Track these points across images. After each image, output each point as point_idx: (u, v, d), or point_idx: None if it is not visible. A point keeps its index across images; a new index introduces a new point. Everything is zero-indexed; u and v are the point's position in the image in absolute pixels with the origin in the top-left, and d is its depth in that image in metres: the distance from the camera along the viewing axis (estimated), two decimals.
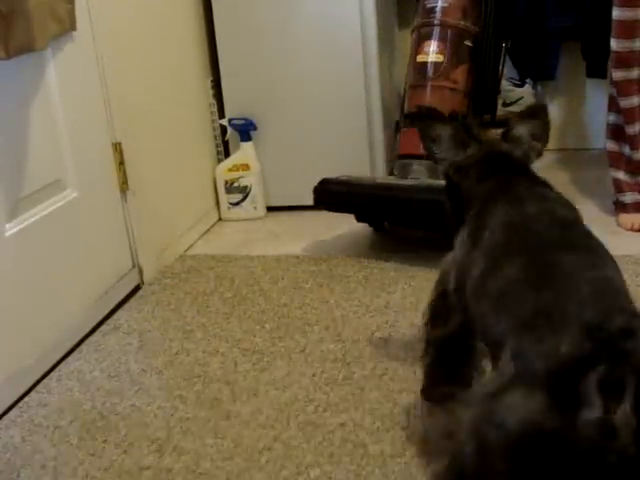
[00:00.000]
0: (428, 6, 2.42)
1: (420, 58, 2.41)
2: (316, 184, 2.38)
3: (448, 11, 2.39)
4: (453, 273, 1.33)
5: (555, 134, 3.21)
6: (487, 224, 1.23)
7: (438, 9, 2.39)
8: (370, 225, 2.51)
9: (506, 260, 1.13)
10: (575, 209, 1.27)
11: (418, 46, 2.42)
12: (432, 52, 2.38)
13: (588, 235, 1.19)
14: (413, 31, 2.48)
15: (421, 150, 2.32)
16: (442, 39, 2.38)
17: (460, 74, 2.38)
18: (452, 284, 1.33)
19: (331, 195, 2.38)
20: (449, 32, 2.39)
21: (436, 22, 2.40)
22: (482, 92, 2.44)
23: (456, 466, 0.97)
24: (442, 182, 2.21)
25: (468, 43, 2.39)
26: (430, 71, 2.39)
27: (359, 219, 2.45)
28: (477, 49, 2.40)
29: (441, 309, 1.41)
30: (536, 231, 1.17)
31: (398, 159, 2.43)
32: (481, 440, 0.91)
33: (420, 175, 2.32)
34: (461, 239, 1.32)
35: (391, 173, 2.45)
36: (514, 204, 1.24)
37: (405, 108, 2.46)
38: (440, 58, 2.37)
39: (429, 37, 2.40)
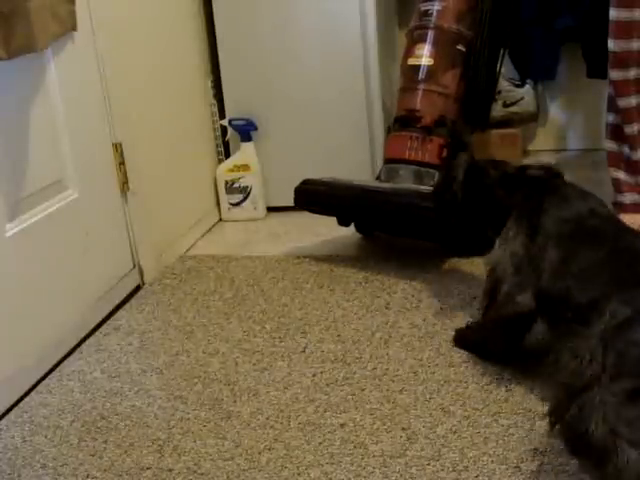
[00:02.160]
0: (423, 9, 2.38)
1: (411, 61, 2.37)
2: (297, 184, 2.36)
3: (443, 15, 2.34)
4: (508, 262, 1.63)
5: (555, 135, 3.21)
6: (542, 222, 1.57)
7: (433, 12, 2.34)
8: (357, 230, 2.48)
9: (583, 247, 1.48)
10: (606, 205, 1.64)
11: (409, 49, 2.39)
12: (423, 55, 2.33)
13: (627, 226, 1.56)
14: (407, 34, 2.44)
15: (407, 155, 2.29)
16: (434, 42, 2.34)
17: (450, 78, 2.33)
18: (510, 270, 1.62)
19: (310, 196, 2.36)
20: (442, 36, 2.34)
21: (430, 25, 2.35)
22: (474, 98, 2.39)
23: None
24: (422, 187, 2.23)
25: (461, 48, 2.34)
26: (420, 74, 2.34)
27: (340, 222, 2.42)
28: (470, 54, 2.35)
29: (496, 293, 1.67)
30: (596, 225, 1.54)
31: (385, 163, 2.39)
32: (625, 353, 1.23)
33: (405, 180, 2.29)
34: (511, 235, 1.63)
35: (378, 177, 2.41)
36: (563, 204, 1.58)
37: (395, 112, 2.41)
38: (430, 61, 2.33)
39: (421, 40, 2.36)
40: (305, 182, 2.36)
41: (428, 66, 2.33)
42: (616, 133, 2.38)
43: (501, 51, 2.46)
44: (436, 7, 2.34)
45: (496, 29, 2.39)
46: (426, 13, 2.36)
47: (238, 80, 2.72)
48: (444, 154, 2.29)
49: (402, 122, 2.35)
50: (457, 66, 2.33)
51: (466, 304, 1.99)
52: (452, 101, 2.33)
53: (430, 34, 2.34)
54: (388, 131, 2.44)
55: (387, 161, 2.38)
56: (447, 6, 2.33)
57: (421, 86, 2.34)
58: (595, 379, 1.22)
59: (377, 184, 2.32)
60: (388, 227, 2.36)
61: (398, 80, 2.45)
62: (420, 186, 2.25)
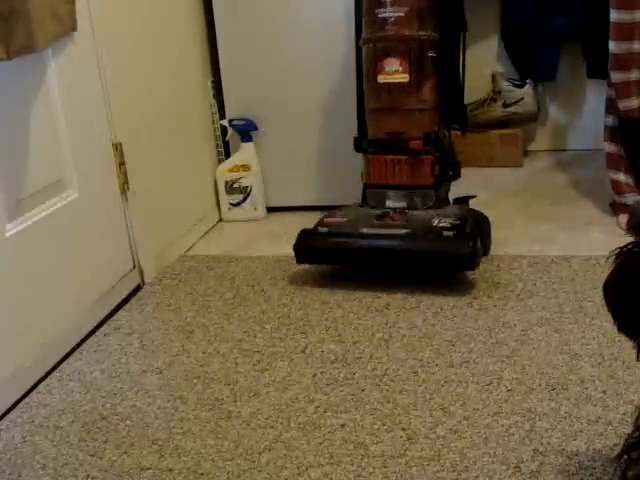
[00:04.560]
0: (380, 16, 2.13)
1: (381, 79, 2.15)
2: (296, 240, 2.17)
3: (404, 21, 2.11)
4: None
5: (555, 135, 3.21)
6: None
7: (392, 20, 2.11)
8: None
9: None
10: None
11: (377, 64, 2.16)
12: (394, 71, 2.14)
13: None
14: (365, 44, 2.20)
15: (397, 181, 2.18)
16: (403, 55, 2.13)
17: (428, 91, 2.16)
18: None
19: (315, 252, 2.17)
20: (409, 46, 2.12)
21: (393, 35, 2.12)
22: (450, 102, 2.21)
23: None
24: (436, 221, 2.09)
25: (431, 54, 2.14)
26: (396, 94, 2.15)
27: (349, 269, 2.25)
28: (441, 57, 2.16)
29: None
30: None
31: (369, 188, 2.26)
32: None
33: (397, 202, 2.19)
34: None
35: (364, 200, 2.27)
36: None
37: (371, 134, 2.25)
38: (405, 78, 2.13)
39: (387, 54, 2.14)
40: (304, 236, 2.18)
41: (404, 83, 2.14)
42: (615, 135, 2.38)
43: (461, 35, 2.21)
44: (396, 14, 2.12)
45: (458, 22, 2.19)
46: (385, 21, 2.13)
47: (238, 80, 2.73)
48: (436, 172, 2.18)
49: (383, 145, 2.21)
50: (431, 75, 2.16)
51: (466, 304, 2.00)
52: (432, 113, 2.19)
53: (396, 45, 2.13)
54: (356, 144, 2.29)
55: (372, 186, 2.25)
56: (406, 10, 2.11)
57: (400, 106, 2.17)
58: None
59: (383, 230, 2.13)
60: (401, 271, 2.18)
61: (367, 99, 2.24)
62: (433, 220, 2.12)
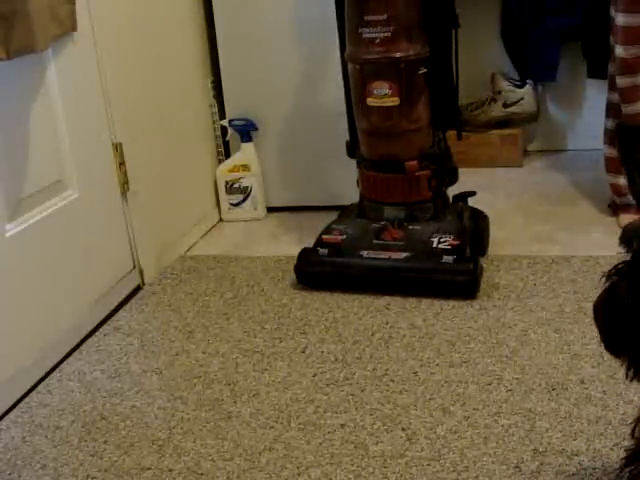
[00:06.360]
0: (365, 36, 2.01)
1: (371, 102, 2.07)
2: (297, 261, 2.17)
3: (391, 42, 2.00)
4: None
5: (555, 135, 3.21)
6: None
7: (378, 41, 2.00)
8: None
9: None
10: None
11: (364, 87, 2.07)
12: (384, 95, 2.04)
13: None
14: (350, 61, 2.12)
15: (393, 199, 2.13)
16: (392, 78, 2.03)
17: (421, 109, 2.09)
18: None
19: (315, 277, 2.17)
20: (399, 67, 2.02)
21: (380, 59, 2.02)
22: (444, 109, 2.14)
23: None
24: (437, 243, 2.05)
25: (422, 71, 2.05)
26: (387, 118, 2.08)
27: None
28: (432, 70, 2.07)
29: None
30: None
31: (365, 200, 2.22)
32: None
33: (395, 214, 2.15)
34: None
35: (361, 209, 2.23)
36: None
37: (364, 152, 2.19)
38: (396, 101, 2.04)
39: (375, 77, 2.04)
40: (305, 257, 2.17)
41: (394, 107, 2.06)
42: (615, 139, 2.37)
43: (453, 32, 2.09)
44: (382, 34, 2.00)
45: (445, 22, 2.07)
46: (372, 42, 2.01)
47: (238, 80, 2.72)
48: (433, 185, 2.14)
49: (378, 166, 2.16)
50: (423, 91, 2.08)
51: (466, 304, 1.99)
52: (427, 129, 2.13)
53: (384, 68, 2.04)
54: (349, 150, 2.26)
55: (368, 199, 2.21)
56: (394, 29, 1.99)
57: (393, 129, 2.09)
58: None
59: (388, 253, 2.10)
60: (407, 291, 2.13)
61: (358, 118, 2.17)
62: (433, 239, 2.08)
